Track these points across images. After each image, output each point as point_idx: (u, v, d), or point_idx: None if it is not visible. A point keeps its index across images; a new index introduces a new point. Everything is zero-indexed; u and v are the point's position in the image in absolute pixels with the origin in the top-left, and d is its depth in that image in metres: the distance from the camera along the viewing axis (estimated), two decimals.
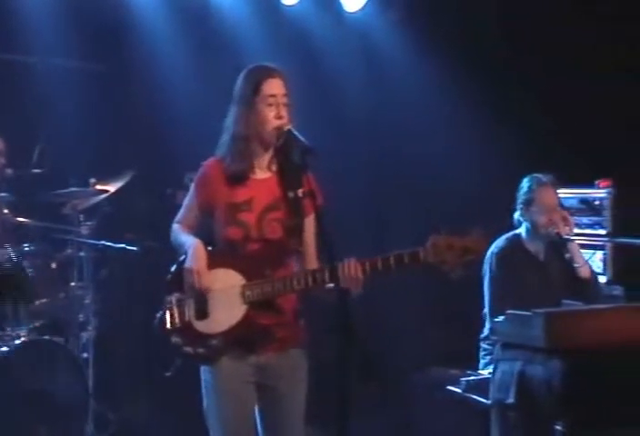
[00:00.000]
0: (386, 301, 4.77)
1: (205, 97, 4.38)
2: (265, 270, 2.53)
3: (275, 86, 2.56)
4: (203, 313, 2.54)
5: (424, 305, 4.91)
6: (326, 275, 2.43)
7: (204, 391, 2.60)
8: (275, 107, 2.54)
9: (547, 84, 4.73)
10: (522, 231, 3.73)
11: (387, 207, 5.08)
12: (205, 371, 2.59)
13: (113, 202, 4.25)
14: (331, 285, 2.43)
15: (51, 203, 4.11)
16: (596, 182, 4.24)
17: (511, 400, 3.12)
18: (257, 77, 2.57)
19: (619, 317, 3.08)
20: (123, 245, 4.07)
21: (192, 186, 2.69)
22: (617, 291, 4.04)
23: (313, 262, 2.57)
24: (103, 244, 4.08)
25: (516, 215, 3.74)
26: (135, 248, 4.05)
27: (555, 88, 4.71)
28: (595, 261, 4.13)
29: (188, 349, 2.53)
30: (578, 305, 3.39)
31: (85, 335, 4.08)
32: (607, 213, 4.16)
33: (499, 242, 3.71)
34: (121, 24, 4.54)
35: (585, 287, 3.68)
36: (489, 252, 3.65)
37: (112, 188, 4.15)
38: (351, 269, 2.41)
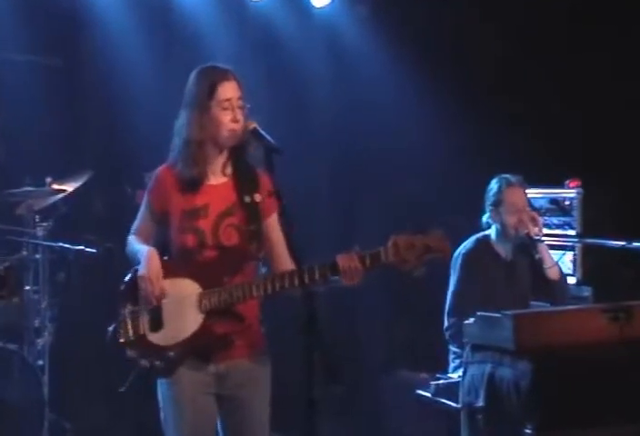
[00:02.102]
0: (353, 302, 4.82)
1: (165, 95, 4.34)
2: (221, 277, 2.55)
3: (230, 90, 2.57)
4: (158, 325, 2.56)
5: (392, 306, 4.97)
6: (286, 281, 2.46)
7: (161, 403, 2.61)
8: (231, 111, 2.56)
9: (518, 82, 4.83)
10: (491, 232, 3.83)
11: (354, 205, 5.14)
12: (162, 384, 2.60)
13: (70, 202, 4.25)
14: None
15: (4, 203, 4.08)
16: (566, 182, 4.34)
17: (480, 403, 3.19)
18: (212, 80, 2.58)
19: (588, 318, 3.17)
20: (81, 247, 4.05)
21: (145, 195, 2.70)
22: (587, 292, 4.15)
23: (286, 264, 2.57)
24: (60, 246, 4.06)
25: (485, 218, 3.84)
26: (93, 250, 4.04)
27: (525, 87, 4.81)
28: (565, 261, 4.23)
29: (144, 362, 2.54)
30: (546, 307, 3.47)
31: (40, 341, 4.07)
32: (577, 214, 4.26)
33: (468, 242, 3.81)
34: (77, 16, 4.54)
35: (552, 288, 3.78)
36: (457, 253, 3.75)
37: (69, 187, 4.14)
38: (350, 260, 2.44)
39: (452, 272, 3.76)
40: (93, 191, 4.45)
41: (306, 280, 2.43)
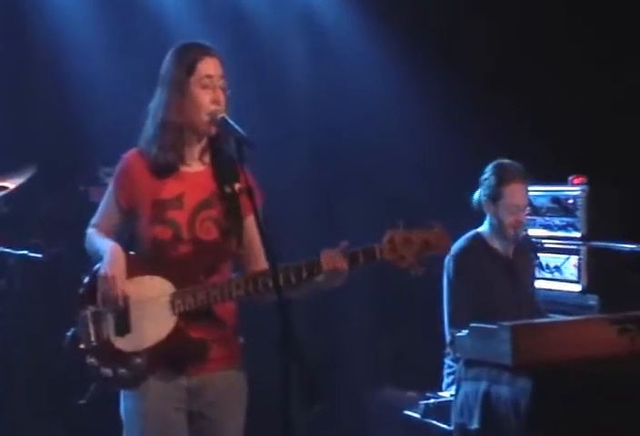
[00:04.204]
0: (334, 310, 4.83)
1: (123, 80, 4.38)
2: (197, 275, 2.56)
3: (211, 67, 2.60)
4: (124, 328, 2.56)
5: (377, 316, 4.98)
6: (270, 280, 2.47)
7: (124, 420, 2.61)
8: (212, 90, 2.58)
9: (517, 70, 4.87)
10: (485, 228, 3.79)
11: (336, 202, 5.13)
12: (126, 398, 2.60)
13: (13, 201, 4.21)
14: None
15: None
16: (569, 178, 4.38)
17: (475, 425, 3.22)
18: (192, 56, 2.61)
19: (594, 330, 3.21)
20: (25, 252, 4.04)
21: (110, 184, 2.71)
22: (592, 300, 4.19)
23: (261, 265, 2.58)
24: (1, 251, 4.03)
25: (476, 196, 3.76)
26: (39, 255, 4.03)
27: (525, 73, 4.85)
28: (569, 267, 4.26)
29: (107, 371, 2.53)
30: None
31: None
32: (581, 214, 4.29)
33: (459, 242, 3.76)
34: None
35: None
36: (448, 255, 3.71)
37: (11, 184, 4.10)
38: (334, 259, 2.46)
39: (445, 277, 3.72)
40: (39, 188, 4.42)
41: (293, 279, 2.46)
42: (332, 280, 2.50)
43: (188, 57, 2.60)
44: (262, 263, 2.54)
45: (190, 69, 2.58)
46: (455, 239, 3.74)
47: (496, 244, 3.76)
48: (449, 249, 2.55)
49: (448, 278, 3.71)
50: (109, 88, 4.45)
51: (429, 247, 2.48)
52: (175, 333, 2.53)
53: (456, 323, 3.58)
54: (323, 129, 5.05)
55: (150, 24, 4.63)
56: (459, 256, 3.68)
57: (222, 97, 2.59)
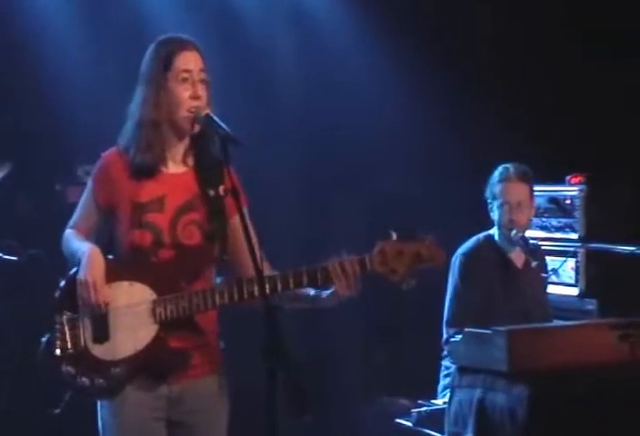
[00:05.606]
0: (324, 317, 4.83)
1: (104, 75, 4.36)
2: (178, 282, 2.55)
3: (190, 60, 2.59)
4: (102, 336, 2.55)
5: (370, 324, 4.98)
6: (255, 287, 2.46)
7: (101, 431, 2.61)
8: (191, 85, 2.57)
9: (515, 68, 4.88)
10: (494, 230, 3.86)
11: (327, 203, 5.13)
12: (103, 408, 2.60)
13: None
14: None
15: None
16: (567, 178, 4.39)
17: (469, 434, 3.23)
18: (169, 50, 2.60)
19: (593, 335, 3.23)
20: None
21: (89, 183, 2.69)
22: (591, 305, 4.20)
23: (249, 271, 2.54)
24: None
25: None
26: (14, 258, 4.01)
27: (523, 72, 4.86)
28: (566, 270, 4.28)
29: (84, 380, 2.53)
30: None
31: None
32: (579, 214, 4.31)
33: (468, 242, 3.85)
34: None
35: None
36: (455, 254, 3.77)
37: None
38: (346, 267, 2.44)
39: (450, 276, 3.79)
40: (13, 187, 4.40)
41: (291, 284, 2.44)
42: (344, 287, 2.46)
43: (165, 52, 2.59)
44: (250, 268, 2.51)
45: (167, 64, 2.57)
46: (449, 242, 3.77)
47: (508, 249, 3.81)
48: (442, 262, 2.53)
49: (453, 277, 3.79)
50: (88, 83, 4.44)
51: (421, 260, 2.47)
52: (156, 343, 2.52)
53: (457, 323, 3.64)
54: (314, 126, 5.04)
55: (132, 19, 4.61)
56: (467, 256, 3.78)
57: (202, 92, 2.56)
